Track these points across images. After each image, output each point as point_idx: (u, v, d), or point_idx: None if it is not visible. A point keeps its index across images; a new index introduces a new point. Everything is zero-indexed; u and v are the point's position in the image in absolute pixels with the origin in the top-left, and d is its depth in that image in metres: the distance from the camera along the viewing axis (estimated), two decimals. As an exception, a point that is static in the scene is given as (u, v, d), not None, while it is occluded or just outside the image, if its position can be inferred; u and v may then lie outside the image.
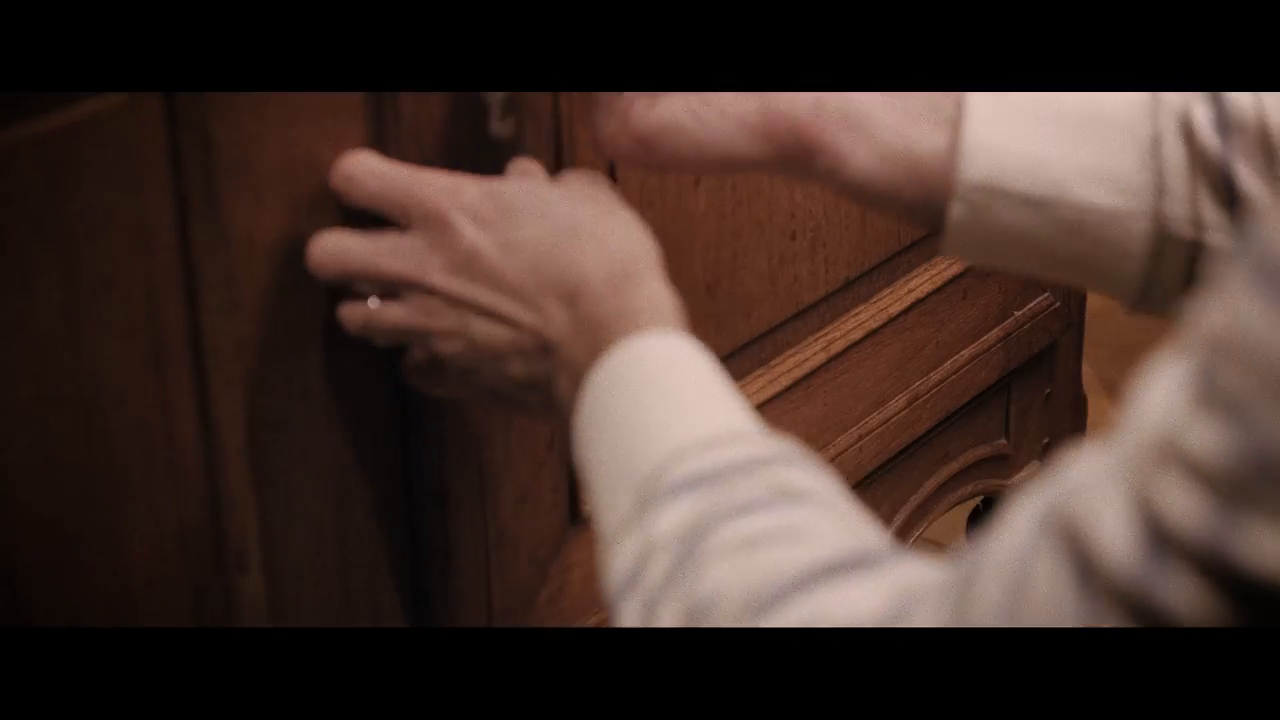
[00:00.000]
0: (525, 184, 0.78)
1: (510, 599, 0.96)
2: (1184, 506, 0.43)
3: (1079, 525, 0.46)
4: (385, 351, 0.80)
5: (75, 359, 0.70)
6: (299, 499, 0.80)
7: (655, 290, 0.73)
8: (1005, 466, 1.38)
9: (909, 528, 1.30)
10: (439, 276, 0.75)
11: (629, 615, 0.66)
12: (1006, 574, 0.49)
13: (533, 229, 0.75)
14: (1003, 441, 1.38)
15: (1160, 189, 0.74)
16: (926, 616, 0.53)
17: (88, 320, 0.70)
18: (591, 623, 1.01)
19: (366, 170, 0.77)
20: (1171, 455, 0.44)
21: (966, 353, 1.29)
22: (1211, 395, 0.43)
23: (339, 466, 0.81)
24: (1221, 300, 0.43)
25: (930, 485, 1.36)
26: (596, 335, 0.72)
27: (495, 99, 0.86)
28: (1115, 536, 0.45)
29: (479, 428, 0.87)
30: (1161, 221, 0.75)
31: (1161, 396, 0.45)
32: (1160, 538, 0.44)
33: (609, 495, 0.68)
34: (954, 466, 1.36)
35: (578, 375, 0.72)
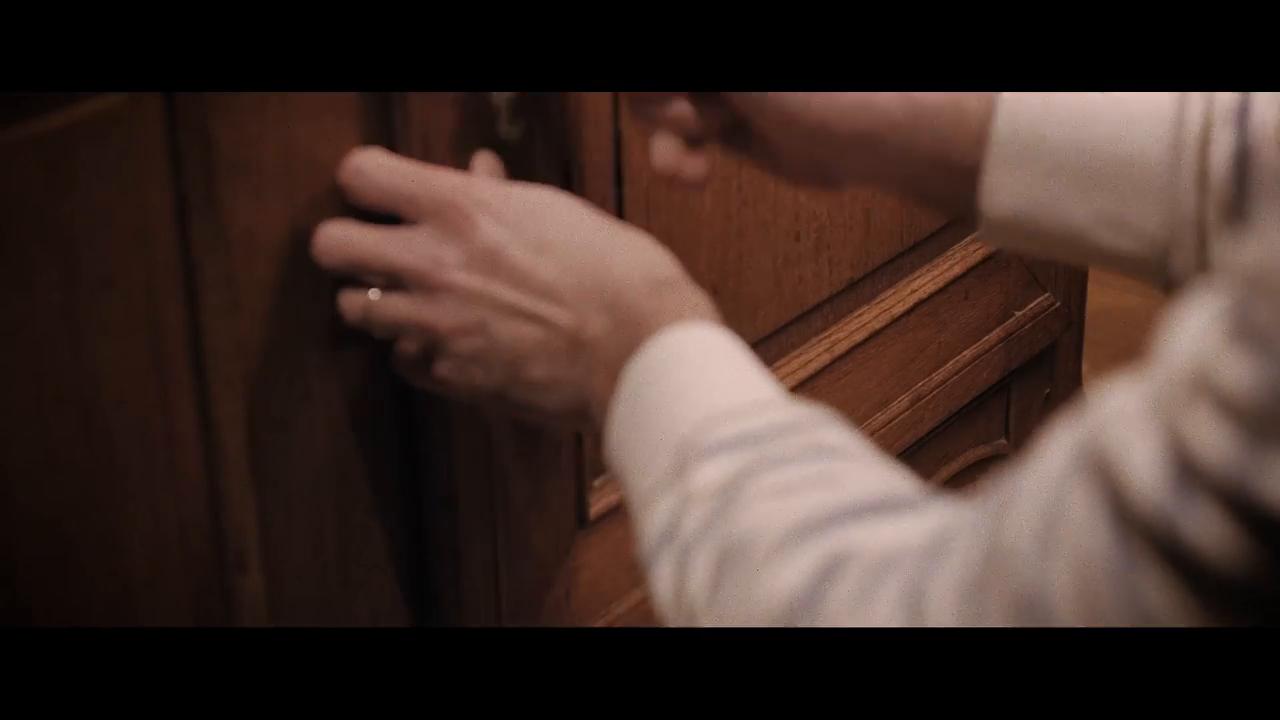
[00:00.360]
0: (542, 189, 0.77)
1: (518, 601, 0.96)
2: (1212, 440, 0.43)
3: (1110, 458, 0.46)
4: (386, 352, 0.79)
5: (75, 359, 0.70)
6: (299, 499, 0.80)
7: (690, 292, 0.73)
8: (1005, 467, 1.38)
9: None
10: (456, 272, 0.73)
11: (663, 569, 0.65)
12: (1040, 504, 0.49)
13: (563, 231, 0.74)
14: (1003, 441, 1.37)
15: (1171, 243, 0.75)
16: (962, 548, 0.54)
17: (88, 320, 0.70)
18: (600, 624, 1.01)
19: (376, 164, 0.76)
20: (1202, 389, 0.44)
21: (968, 353, 1.29)
22: (1244, 331, 0.43)
23: (339, 466, 0.81)
24: (1258, 238, 0.43)
25: (930, 485, 1.36)
26: (636, 332, 0.71)
27: (503, 100, 0.85)
28: (1145, 469, 0.45)
29: (488, 430, 0.87)
30: (1170, 270, 0.76)
31: (1194, 331, 0.45)
32: (1188, 471, 0.44)
33: (644, 461, 0.68)
34: (954, 466, 1.36)
35: (615, 370, 0.71)
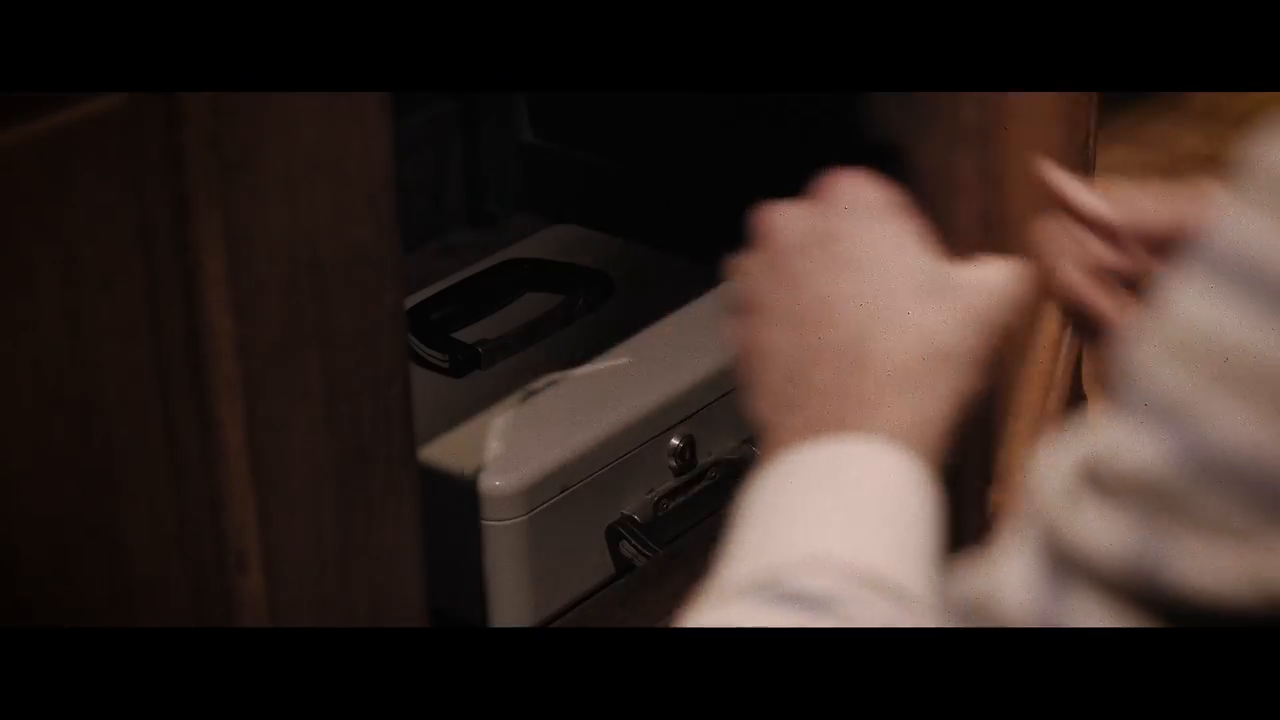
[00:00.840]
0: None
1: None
2: (1109, 538, 0.41)
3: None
4: (386, 352, 0.80)
5: (75, 359, 0.70)
6: (299, 499, 0.80)
7: (931, 402, 0.62)
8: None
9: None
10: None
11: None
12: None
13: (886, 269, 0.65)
14: (1003, 441, 1.38)
15: None
16: None
17: (88, 320, 0.70)
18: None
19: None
20: (1090, 481, 0.42)
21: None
22: (1137, 408, 0.41)
23: (339, 466, 0.81)
24: (1163, 313, 0.41)
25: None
26: (839, 413, 0.63)
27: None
28: (1019, 586, 0.44)
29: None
30: None
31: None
32: (1069, 568, 0.42)
33: (737, 551, 0.62)
34: (954, 466, 1.36)
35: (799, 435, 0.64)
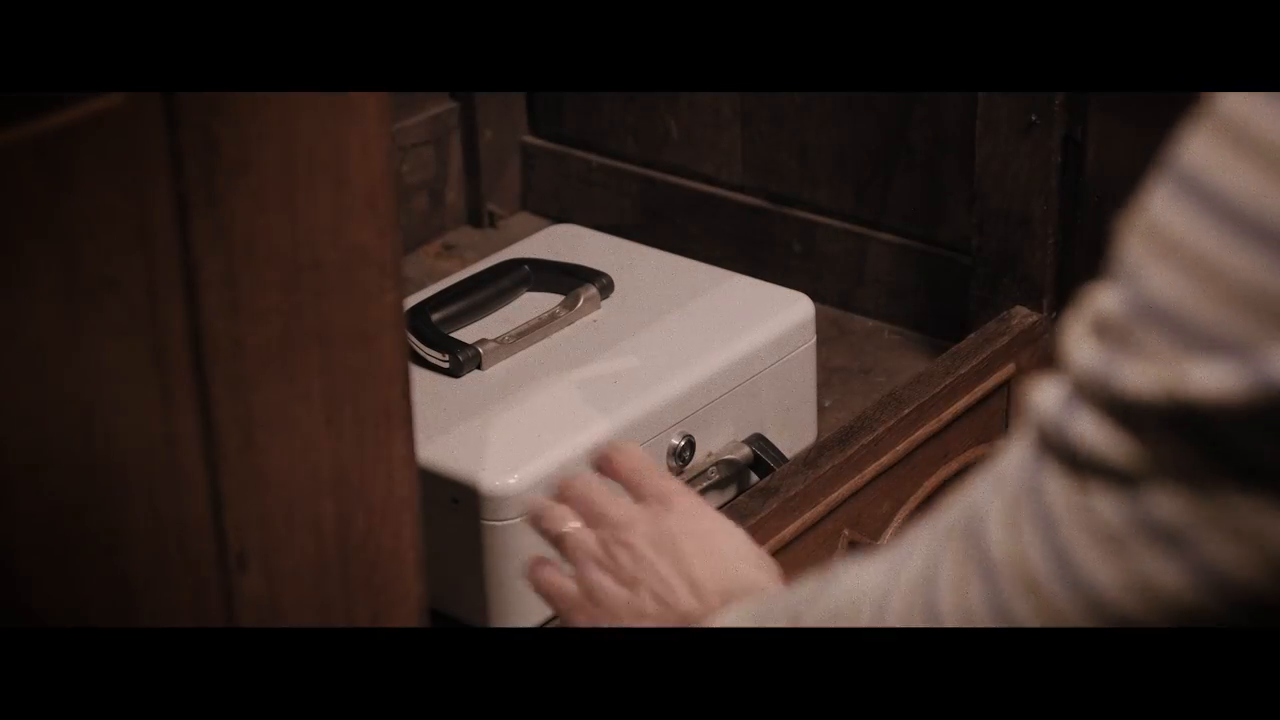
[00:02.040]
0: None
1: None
2: (1086, 357, 0.56)
3: (1032, 408, 0.60)
4: (386, 352, 0.80)
5: (75, 359, 0.70)
6: (299, 499, 0.80)
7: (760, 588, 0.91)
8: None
9: (910, 527, 1.31)
10: (640, 538, 0.93)
11: None
12: (997, 470, 0.63)
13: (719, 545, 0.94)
14: (1003, 441, 1.38)
15: None
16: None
17: (88, 320, 0.70)
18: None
19: (633, 453, 0.99)
20: (1088, 328, 0.57)
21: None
22: (1116, 271, 0.56)
23: (339, 466, 0.81)
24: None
25: (930, 484, 1.36)
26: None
27: None
28: (1049, 401, 0.58)
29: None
30: None
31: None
32: (1074, 389, 0.57)
33: None
34: (953, 465, 1.36)
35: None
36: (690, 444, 1.33)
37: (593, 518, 0.96)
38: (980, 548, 0.61)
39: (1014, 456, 0.60)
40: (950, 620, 0.62)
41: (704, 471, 1.34)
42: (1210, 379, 0.52)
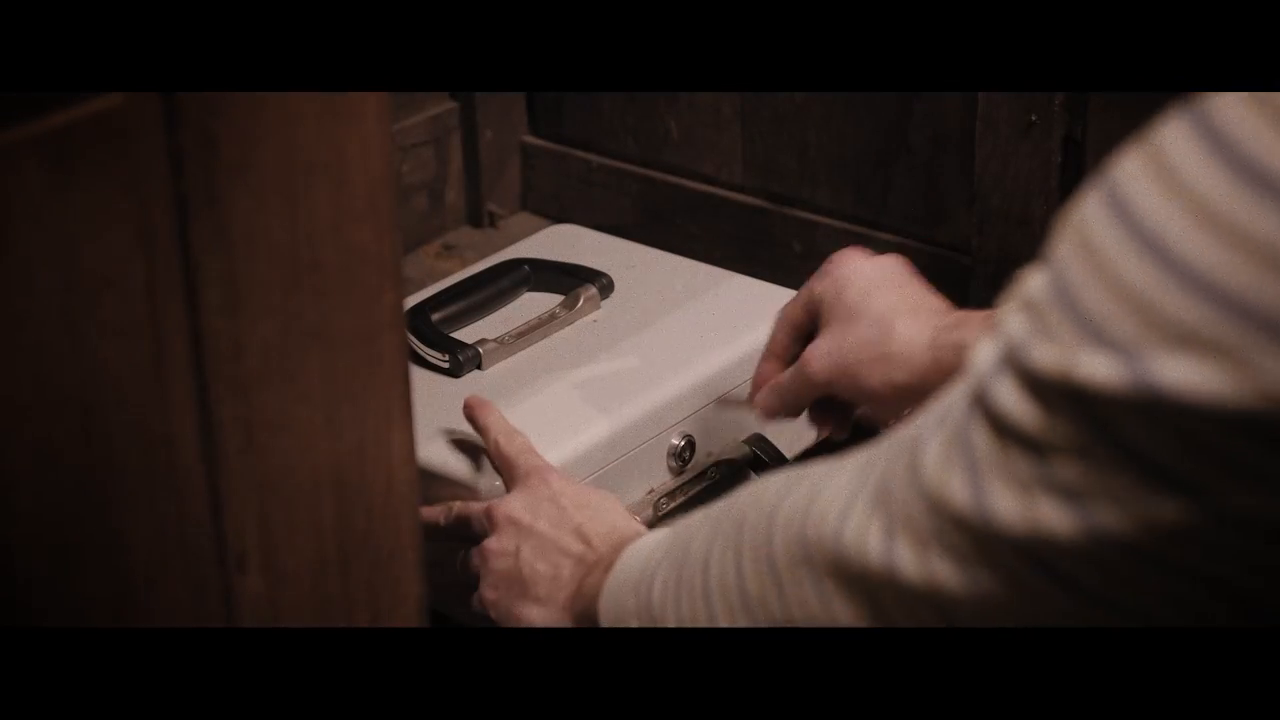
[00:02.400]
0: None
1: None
2: (1012, 327, 0.63)
3: (971, 363, 0.67)
4: (386, 352, 0.80)
5: (75, 359, 0.70)
6: (299, 499, 0.80)
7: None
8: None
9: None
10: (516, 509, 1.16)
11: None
12: (939, 412, 0.71)
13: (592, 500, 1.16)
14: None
15: None
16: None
17: (88, 320, 0.70)
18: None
19: (502, 430, 1.23)
20: (1021, 300, 0.64)
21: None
22: (1045, 258, 0.63)
23: (339, 466, 0.81)
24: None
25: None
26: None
27: None
28: (986, 360, 0.65)
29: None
30: None
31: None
32: (1003, 353, 0.64)
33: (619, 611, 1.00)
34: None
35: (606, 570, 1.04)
36: (690, 444, 1.33)
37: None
38: (914, 466, 0.70)
39: (957, 398, 0.68)
40: (861, 502, 0.74)
41: (704, 471, 1.34)
42: (1098, 369, 0.59)
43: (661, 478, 1.32)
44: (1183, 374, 0.57)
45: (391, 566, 0.85)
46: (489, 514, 1.16)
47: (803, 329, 1.20)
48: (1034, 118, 1.42)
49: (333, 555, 0.83)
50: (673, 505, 1.31)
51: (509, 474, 1.19)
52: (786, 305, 1.21)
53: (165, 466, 0.74)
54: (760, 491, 0.88)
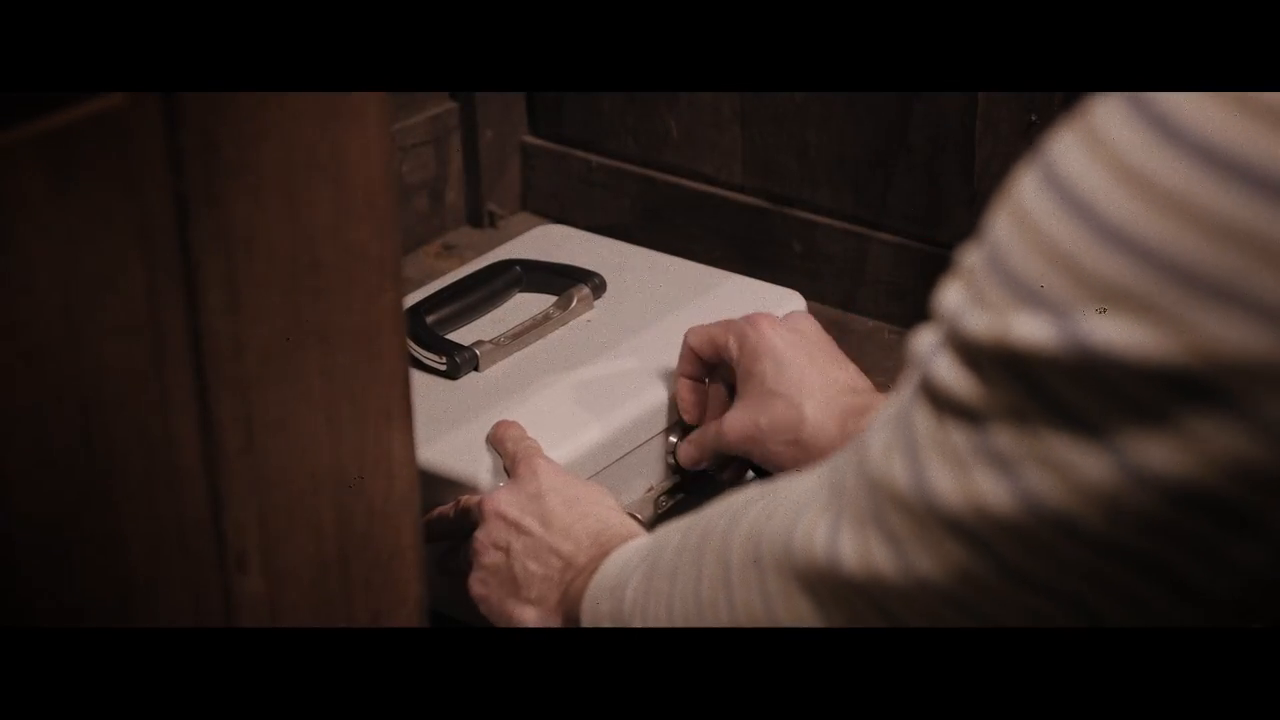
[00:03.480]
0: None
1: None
2: (949, 301, 0.65)
3: (912, 351, 0.68)
4: (386, 352, 0.80)
5: (75, 359, 0.70)
6: (299, 499, 0.80)
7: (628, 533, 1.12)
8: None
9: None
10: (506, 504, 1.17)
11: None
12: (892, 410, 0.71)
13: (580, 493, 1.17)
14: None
15: None
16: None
17: (88, 320, 0.70)
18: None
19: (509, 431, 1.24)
20: (957, 275, 0.65)
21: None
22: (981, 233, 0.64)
23: (339, 466, 0.81)
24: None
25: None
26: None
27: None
28: (927, 343, 0.66)
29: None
30: None
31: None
32: (943, 334, 0.65)
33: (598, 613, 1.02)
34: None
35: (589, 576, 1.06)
36: (690, 443, 1.33)
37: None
38: (861, 457, 0.71)
39: (904, 394, 0.69)
40: (816, 501, 0.75)
41: (704, 471, 1.34)
42: (1030, 331, 0.60)
43: (661, 476, 1.32)
44: (1113, 331, 0.57)
45: (391, 566, 0.86)
46: (480, 507, 1.17)
47: (709, 364, 1.29)
48: (1034, 118, 1.42)
49: (333, 555, 0.83)
50: (672, 503, 1.31)
51: (504, 458, 1.22)
52: (694, 334, 1.28)
53: (165, 466, 0.74)
54: (730, 501, 0.89)
